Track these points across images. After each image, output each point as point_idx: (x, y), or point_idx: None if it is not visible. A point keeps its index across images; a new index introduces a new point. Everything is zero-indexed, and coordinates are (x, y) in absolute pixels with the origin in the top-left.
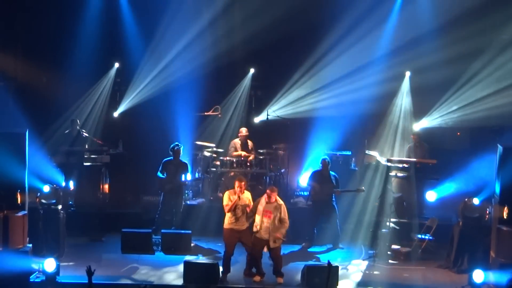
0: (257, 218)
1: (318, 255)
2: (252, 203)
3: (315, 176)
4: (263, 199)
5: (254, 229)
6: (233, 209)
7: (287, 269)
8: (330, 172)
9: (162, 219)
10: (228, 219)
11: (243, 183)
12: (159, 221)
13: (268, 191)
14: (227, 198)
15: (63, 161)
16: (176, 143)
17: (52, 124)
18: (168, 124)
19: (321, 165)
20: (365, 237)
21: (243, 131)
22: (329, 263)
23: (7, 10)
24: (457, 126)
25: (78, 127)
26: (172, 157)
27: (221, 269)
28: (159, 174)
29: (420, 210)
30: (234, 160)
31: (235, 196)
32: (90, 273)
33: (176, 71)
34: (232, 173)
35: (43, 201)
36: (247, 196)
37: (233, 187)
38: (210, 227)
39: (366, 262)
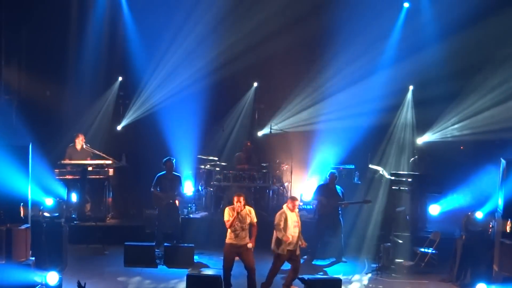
0: (289, 231)
1: (321, 268)
2: (255, 218)
3: (322, 189)
4: (285, 213)
5: (287, 243)
6: (233, 225)
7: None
8: (336, 186)
9: (161, 233)
10: (228, 234)
11: (241, 198)
12: (159, 236)
13: (290, 201)
14: (227, 214)
15: (66, 174)
16: (168, 157)
17: (55, 138)
18: (171, 138)
19: (328, 178)
20: (368, 250)
21: (248, 143)
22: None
23: (12, 23)
24: (461, 140)
25: (82, 140)
26: (165, 171)
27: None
28: (153, 189)
29: (423, 224)
30: (237, 174)
31: (233, 212)
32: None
33: (179, 84)
34: (234, 187)
35: (46, 214)
36: (247, 212)
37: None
38: (213, 241)
39: (369, 276)
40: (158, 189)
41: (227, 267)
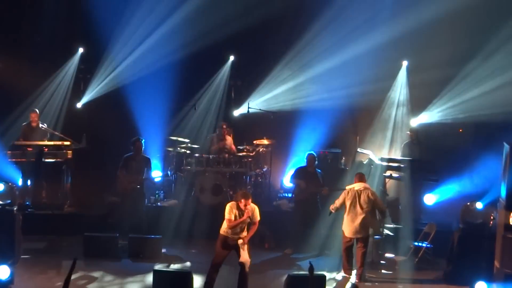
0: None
1: (302, 263)
2: (258, 217)
3: (300, 173)
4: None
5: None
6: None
7: (268, 278)
8: (316, 169)
9: (125, 223)
10: (224, 228)
11: (249, 200)
12: (123, 226)
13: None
14: (229, 211)
15: (19, 157)
16: (137, 136)
17: (8, 116)
18: (137, 117)
19: (306, 161)
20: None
21: (223, 125)
22: (310, 265)
23: None
24: (459, 122)
25: (37, 118)
26: (132, 153)
27: (196, 279)
28: (119, 171)
29: (417, 215)
30: (211, 158)
31: (237, 211)
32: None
33: (147, 57)
34: (208, 172)
35: None
36: (251, 211)
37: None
38: (183, 232)
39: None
40: (125, 172)
41: (217, 262)
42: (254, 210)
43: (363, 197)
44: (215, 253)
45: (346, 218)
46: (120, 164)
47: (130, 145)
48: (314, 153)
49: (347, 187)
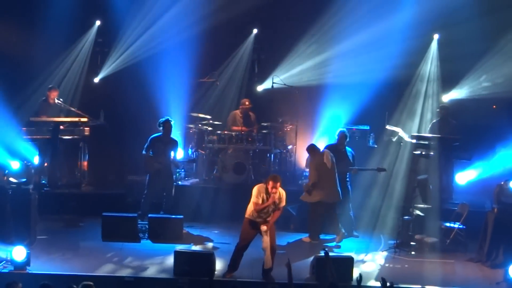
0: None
1: (330, 245)
2: (284, 202)
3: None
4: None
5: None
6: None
7: (294, 260)
8: (346, 148)
9: (148, 203)
10: (250, 211)
11: (278, 184)
12: (145, 205)
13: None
14: (257, 194)
15: (35, 134)
16: (167, 117)
17: (22, 91)
18: (157, 93)
19: (337, 138)
20: (384, 225)
21: (246, 102)
22: (326, 253)
23: None
24: (493, 98)
25: (55, 94)
26: (161, 133)
27: (218, 260)
28: (145, 152)
29: (449, 195)
30: (234, 135)
31: (264, 194)
32: None
33: (166, 30)
34: (230, 150)
35: (12, 179)
36: (279, 196)
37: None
38: (204, 212)
39: (385, 254)
40: (151, 152)
41: (242, 246)
42: (282, 195)
43: None
44: (240, 237)
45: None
46: (145, 145)
47: (158, 126)
48: (346, 131)
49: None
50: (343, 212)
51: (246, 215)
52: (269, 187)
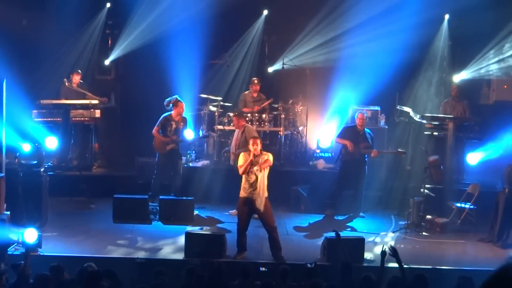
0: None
1: (340, 225)
2: (271, 160)
3: (348, 132)
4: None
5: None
6: (247, 172)
7: (305, 241)
8: (366, 129)
9: (159, 184)
10: (243, 185)
11: (258, 140)
12: (156, 186)
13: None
14: (242, 159)
15: (46, 116)
16: (176, 95)
17: (33, 73)
18: (167, 74)
19: (356, 119)
20: (395, 205)
21: (254, 80)
22: (337, 233)
23: None
24: (505, 78)
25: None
26: (170, 112)
27: (229, 242)
28: (157, 132)
29: (460, 175)
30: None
31: (250, 155)
32: None
33: (177, 12)
34: None
35: (23, 162)
36: (264, 156)
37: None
38: (215, 193)
39: (396, 234)
40: (160, 132)
41: (242, 227)
42: (268, 156)
43: None
44: (238, 218)
45: None
46: (157, 123)
47: (166, 105)
48: (366, 112)
49: None
50: (357, 193)
51: (240, 195)
52: (251, 146)
